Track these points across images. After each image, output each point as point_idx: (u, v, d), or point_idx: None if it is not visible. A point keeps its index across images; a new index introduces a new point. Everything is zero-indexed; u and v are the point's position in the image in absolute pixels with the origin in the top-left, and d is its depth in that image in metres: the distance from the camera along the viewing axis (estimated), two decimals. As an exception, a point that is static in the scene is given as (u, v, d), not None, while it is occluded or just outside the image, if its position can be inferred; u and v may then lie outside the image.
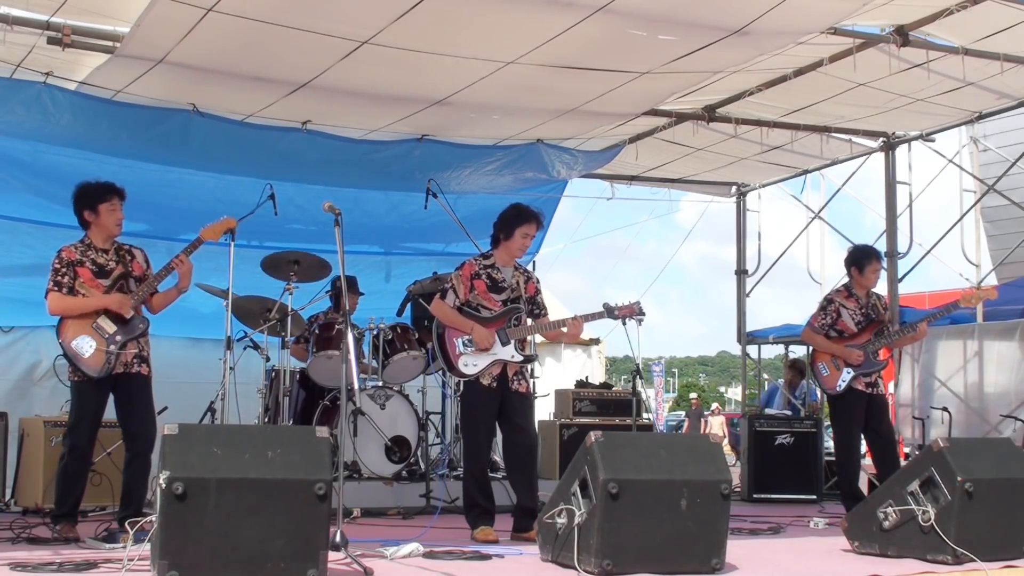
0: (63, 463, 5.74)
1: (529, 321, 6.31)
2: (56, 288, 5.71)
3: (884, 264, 7.55)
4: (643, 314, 6.38)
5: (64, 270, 5.73)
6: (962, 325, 10.23)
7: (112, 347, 5.68)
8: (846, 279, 7.62)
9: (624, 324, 6.86)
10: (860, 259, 7.44)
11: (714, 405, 33.29)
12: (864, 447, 7.93)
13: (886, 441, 7.30)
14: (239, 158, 8.48)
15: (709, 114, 8.98)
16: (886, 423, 7.38)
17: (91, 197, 5.84)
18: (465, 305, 6.17)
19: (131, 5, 6.25)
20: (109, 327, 5.71)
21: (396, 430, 7.80)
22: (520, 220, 6.19)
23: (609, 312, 6.23)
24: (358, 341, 8.03)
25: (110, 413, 5.88)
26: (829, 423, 12.26)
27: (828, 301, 7.47)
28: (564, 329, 6.22)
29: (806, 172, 10.90)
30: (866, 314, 7.33)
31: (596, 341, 14.34)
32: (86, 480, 5.90)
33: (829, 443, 11.04)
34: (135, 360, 5.79)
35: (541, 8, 6.29)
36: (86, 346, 5.65)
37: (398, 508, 7.40)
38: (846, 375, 7.20)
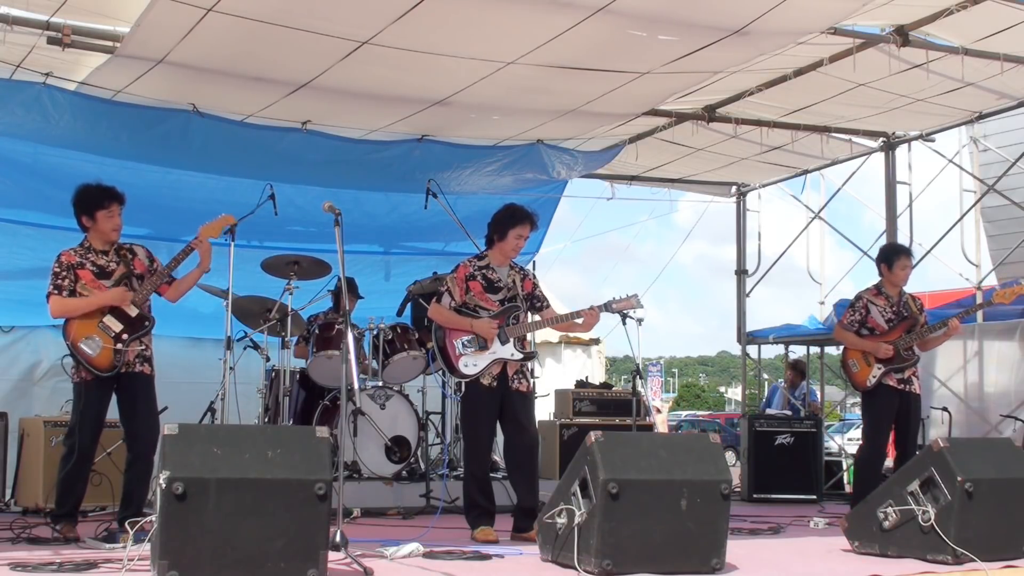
0: (65, 463, 5.73)
1: (534, 316, 6.29)
2: (56, 292, 5.70)
3: (913, 261, 7.54)
4: (641, 306, 6.35)
5: (64, 273, 5.72)
6: (962, 325, 10.21)
7: (119, 345, 5.68)
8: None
9: (624, 323, 6.86)
10: (890, 255, 7.44)
11: (657, 402, 33.23)
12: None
13: (905, 440, 7.27)
14: (239, 158, 8.48)
15: (709, 114, 8.99)
16: (914, 422, 7.34)
17: (89, 203, 5.79)
18: (463, 307, 6.16)
19: (131, 5, 6.25)
20: (115, 325, 5.70)
21: (396, 430, 7.80)
22: (513, 222, 6.17)
23: (606, 306, 6.22)
24: (358, 341, 8.04)
25: (111, 413, 5.87)
26: (830, 423, 12.30)
27: (856, 298, 7.47)
28: (579, 320, 6.19)
29: (806, 172, 10.91)
30: (897, 312, 7.32)
31: (596, 341, 14.34)
32: (87, 481, 5.89)
33: (829, 443, 11.07)
34: (137, 359, 5.77)
35: (541, 8, 6.29)
36: (94, 345, 5.64)
37: (398, 508, 7.39)
38: (876, 371, 7.20)
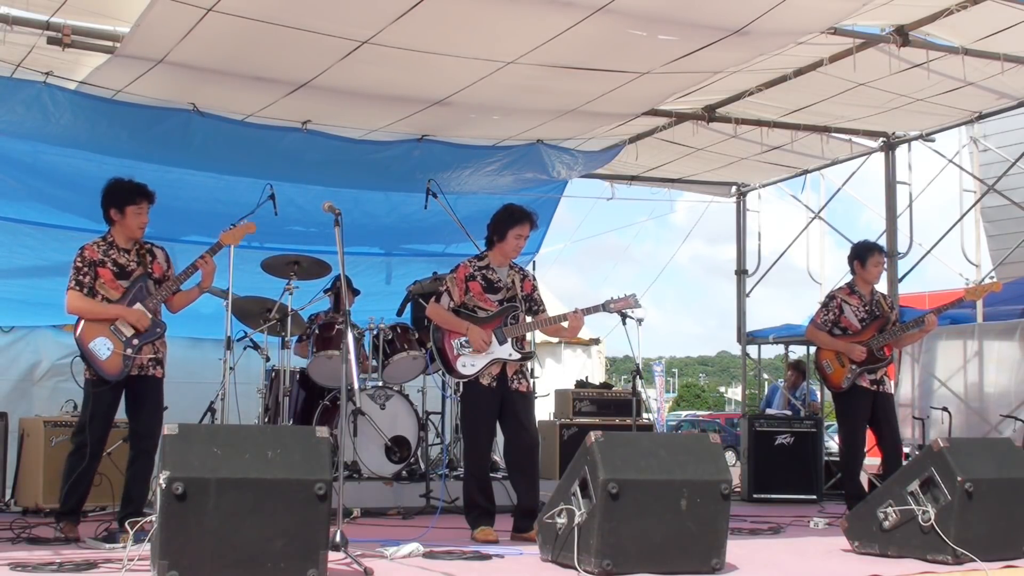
0: (71, 461, 5.73)
1: (528, 319, 6.30)
2: (77, 287, 5.71)
3: (886, 259, 7.55)
4: (639, 306, 6.35)
5: (86, 269, 5.74)
6: (962, 325, 10.24)
7: (129, 350, 5.68)
8: (846, 278, 7.65)
9: (624, 323, 6.86)
10: (862, 252, 7.46)
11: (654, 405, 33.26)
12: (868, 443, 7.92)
13: (890, 440, 7.30)
14: (239, 158, 8.47)
15: (709, 114, 8.98)
16: (892, 421, 7.37)
17: (120, 197, 5.83)
18: (462, 307, 6.16)
19: (131, 5, 6.25)
20: (127, 329, 5.71)
21: (396, 430, 7.80)
22: (512, 222, 6.17)
23: (604, 306, 6.22)
24: (358, 341, 8.03)
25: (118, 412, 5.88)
26: (830, 423, 12.31)
27: (830, 298, 7.50)
28: (565, 324, 6.20)
29: (806, 172, 10.90)
30: (870, 311, 7.34)
31: (596, 341, 14.32)
32: (92, 480, 5.88)
33: (829, 443, 11.07)
34: (151, 363, 5.79)
35: (541, 8, 6.29)
36: (104, 348, 5.65)
37: (398, 508, 7.39)
38: (851, 372, 7.21)
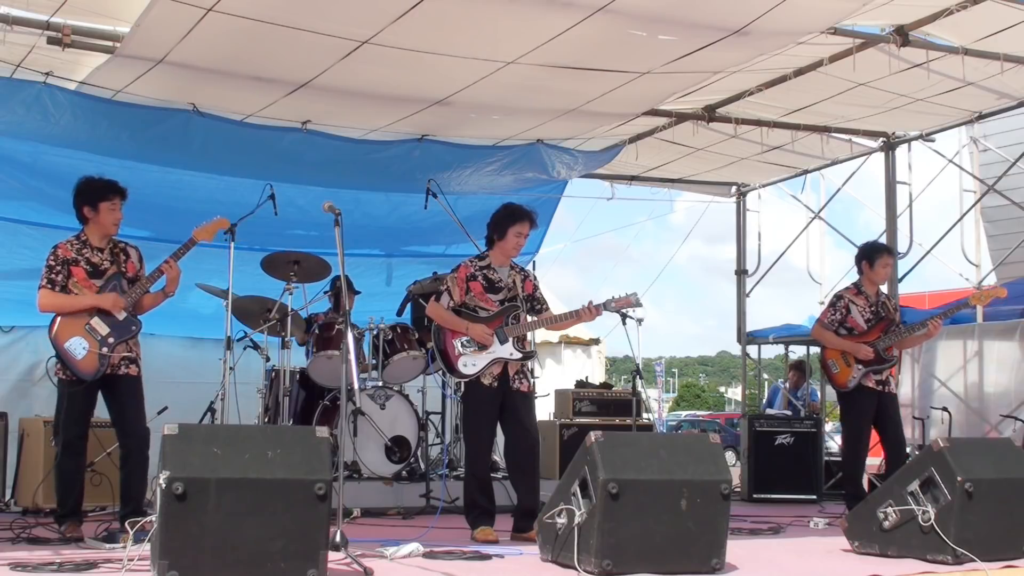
0: (58, 462, 5.73)
1: (530, 318, 6.30)
2: (49, 286, 5.68)
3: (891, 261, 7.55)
4: (640, 305, 6.35)
5: (58, 268, 5.70)
6: (962, 325, 10.24)
7: (105, 349, 5.65)
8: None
9: (624, 323, 6.85)
10: (871, 253, 7.46)
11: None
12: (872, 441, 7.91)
13: (895, 440, 7.30)
14: (239, 158, 8.47)
15: (709, 114, 8.99)
16: (896, 422, 7.37)
17: (93, 194, 5.80)
18: (463, 307, 6.17)
19: (131, 5, 6.25)
20: (102, 328, 5.67)
21: (396, 430, 7.80)
22: (512, 220, 6.18)
23: (605, 305, 6.22)
24: (358, 341, 8.03)
25: (105, 413, 5.87)
26: (829, 423, 12.32)
27: (838, 297, 7.49)
28: (568, 321, 6.21)
29: (806, 172, 10.90)
30: (876, 312, 7.35)
31: (596, 341, 14.33)
32: (83, 477, 5.87)
33: (829, 443, 11.08)
34: (123, 362, 5.75)
35: (541, 8, 6.29)
36: (79, 348, 5.62)
37: (398, 508, 7.40)
38: (856, 372, 7.22)
